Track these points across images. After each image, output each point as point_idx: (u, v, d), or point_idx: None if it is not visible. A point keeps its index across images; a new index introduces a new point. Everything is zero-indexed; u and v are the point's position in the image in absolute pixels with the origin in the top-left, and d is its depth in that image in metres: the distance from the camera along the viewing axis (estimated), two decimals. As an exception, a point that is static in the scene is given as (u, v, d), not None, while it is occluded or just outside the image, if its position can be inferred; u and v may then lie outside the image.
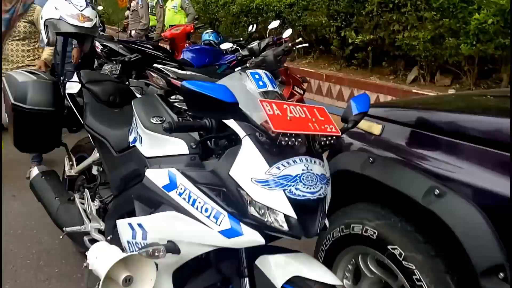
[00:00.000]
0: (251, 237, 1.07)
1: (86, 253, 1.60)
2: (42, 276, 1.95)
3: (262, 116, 1.16)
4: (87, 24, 1.85)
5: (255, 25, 4.12)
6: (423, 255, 1.18)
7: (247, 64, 3.33)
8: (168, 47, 4.63)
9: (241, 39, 4.28)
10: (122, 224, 1.42)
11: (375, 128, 1.44)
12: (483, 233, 1.04)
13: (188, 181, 1.16)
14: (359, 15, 4.46)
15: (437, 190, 1.14)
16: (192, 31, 4.55)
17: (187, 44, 4.44)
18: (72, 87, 1.89)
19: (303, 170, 1.07)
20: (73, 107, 1.86)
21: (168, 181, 1.21)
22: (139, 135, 1.44)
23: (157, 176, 1.25)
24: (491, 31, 3.34)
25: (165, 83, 2.97)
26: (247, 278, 1.16)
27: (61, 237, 1.80)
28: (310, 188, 1.06)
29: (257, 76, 1.23)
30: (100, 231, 1.70)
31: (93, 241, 1.70)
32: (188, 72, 3.21)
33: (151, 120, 1.38)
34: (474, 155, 1.14)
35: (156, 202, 1.27)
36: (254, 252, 1.17)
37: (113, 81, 2.04)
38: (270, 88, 1.22)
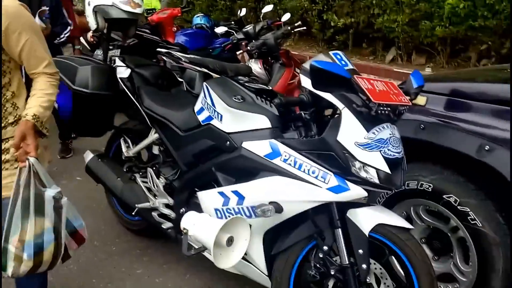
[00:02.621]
0: (356, 191, 1.29)
1: (162, 226, 1.75)
2: (101, 255, 2.03)
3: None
4: (138, 10, 1.91)
5: (244, 9, 4.24)
6: (475, 199, 1.47)
7: (248, 48, 3.46)
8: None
9: (233, 22, 4.38)
10: (209, 194, 1.57)
11: (421, 99, 1.70)
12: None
13: (290, 149, 1.35)
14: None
15: (487, 146, 1.43)
16: (179, 14, 4.55)
17: (175, 28, 4.45)
18: (122, 72, 1.96)
19: (390, 134, 1.30)
20: (127, 90, 1.92)
21: (270, 150, 1.38)
22: (217, 113, 1.58)
23: (257, 147, 1.42)
24: (462, 14, 3.75)
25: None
26: (339, 229, 1.38)
27: (132, 213, 1.89)
28: (396, 149, 1.30)
29: (338, 56, 1.43)
30: (168, 206, 1.82)
31: (162, 215, 1.83)
32: (196, 56, 3.29)
33: (234, 99, 1.53)
34: (503, 116, 1.43)
35: (253, 170, 1.43)
36: (343, 206, 1.39)
37: (157, 66, 2.12)
38: (350, 66, 1.43)
